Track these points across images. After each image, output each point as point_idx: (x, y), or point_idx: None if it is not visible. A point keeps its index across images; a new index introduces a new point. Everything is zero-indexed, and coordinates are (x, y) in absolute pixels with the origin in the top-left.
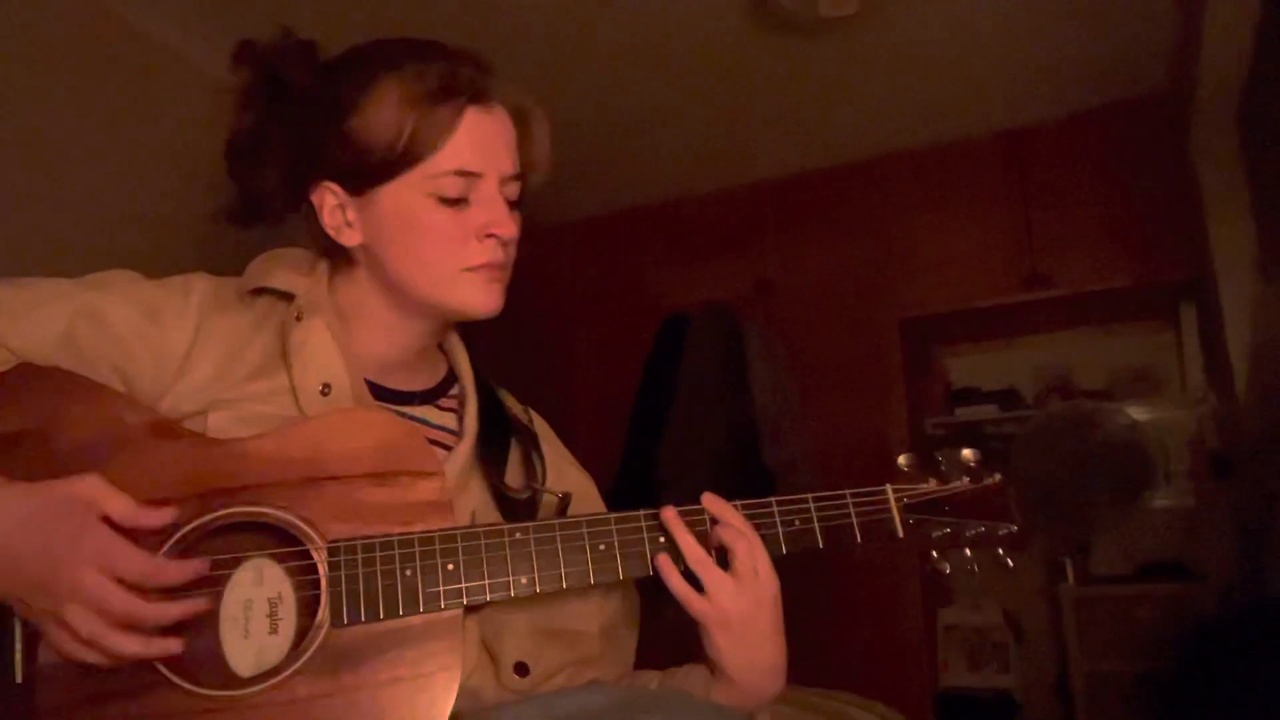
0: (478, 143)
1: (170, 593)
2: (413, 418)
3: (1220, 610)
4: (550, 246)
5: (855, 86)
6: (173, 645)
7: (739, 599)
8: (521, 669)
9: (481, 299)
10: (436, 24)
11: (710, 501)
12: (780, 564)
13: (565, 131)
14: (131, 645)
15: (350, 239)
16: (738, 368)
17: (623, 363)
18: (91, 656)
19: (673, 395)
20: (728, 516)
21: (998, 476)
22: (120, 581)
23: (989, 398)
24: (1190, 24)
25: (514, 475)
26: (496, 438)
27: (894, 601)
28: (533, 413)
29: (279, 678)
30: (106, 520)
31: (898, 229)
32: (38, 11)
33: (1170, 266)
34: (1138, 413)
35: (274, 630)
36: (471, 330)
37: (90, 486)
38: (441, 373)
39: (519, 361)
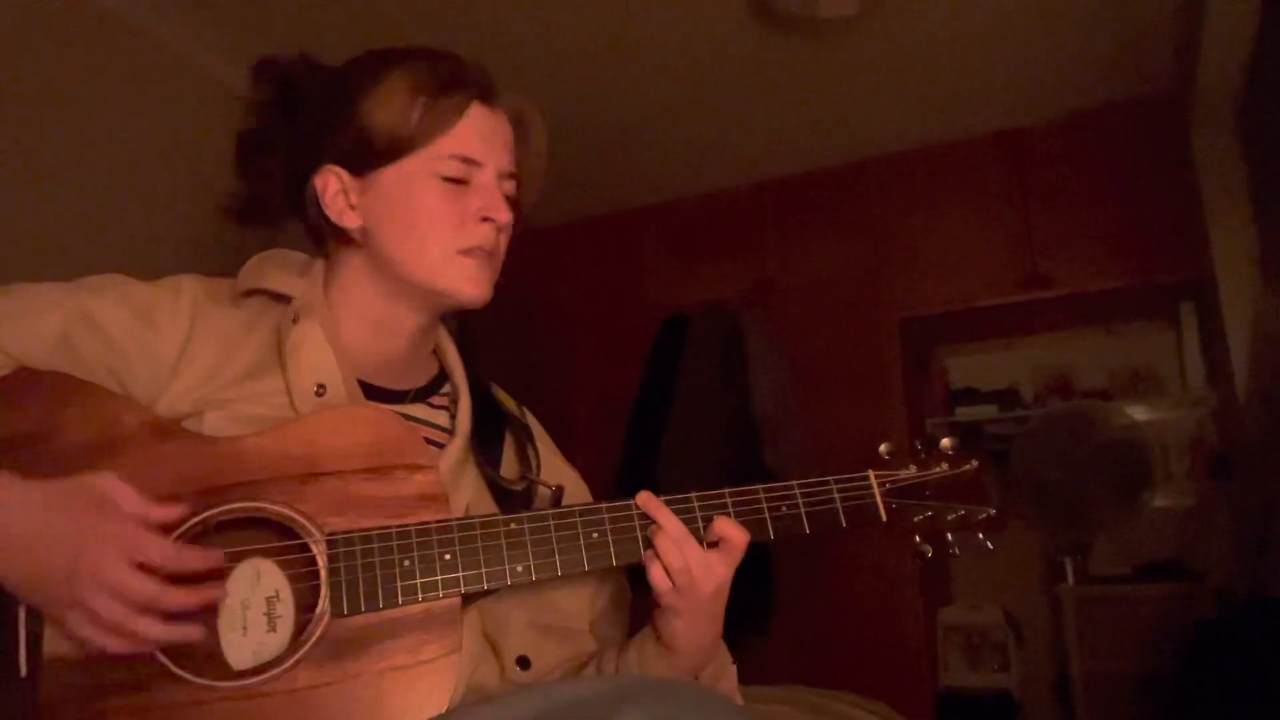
0: (481, 134)
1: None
2: (406, 416)
3: (1220, 610)
4: (550, 246)
5: (855, 86)
6: (194, 631)
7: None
8: (524, 662)
9: (472, 285)
10: (437, 26)
11: (645, 501)
12: (780, 565)
13: (566, 132)
14: (154, 629)
15: (351, 220)
16: (737, 368)
17: (623, 363)
18: (112, 643)
19: (672, 396)
20: (661, 518)
21: (975, 462)
22: (142, 569)
23: (989, 398)
24: (1190, 24)
25: (509, 468)
26: (490, 431)
27: (894, 601)
28: (526, 410)
29: (281, 668)
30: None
31: (898, 229)
32: (39, 14)
33: (1170, 266)
34: (1138, 413)
35: (272, 629)
36: (472, 330)
37: (107, 481)
38: (433, 371)
39: (519, 361)
